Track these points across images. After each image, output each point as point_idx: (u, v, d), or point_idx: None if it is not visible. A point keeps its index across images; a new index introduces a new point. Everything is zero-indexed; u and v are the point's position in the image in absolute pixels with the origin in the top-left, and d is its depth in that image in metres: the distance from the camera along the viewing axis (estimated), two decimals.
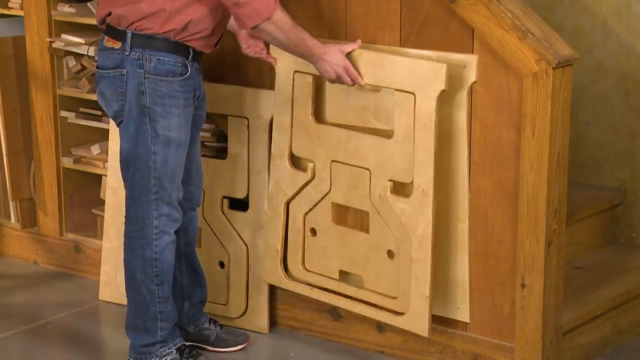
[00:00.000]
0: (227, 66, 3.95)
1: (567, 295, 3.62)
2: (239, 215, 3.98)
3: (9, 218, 4.77)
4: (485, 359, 3.60)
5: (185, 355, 3.66)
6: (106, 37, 3.47)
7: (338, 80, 3.52)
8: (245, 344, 3.90)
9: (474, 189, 3.53)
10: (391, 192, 3.55)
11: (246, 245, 3.97)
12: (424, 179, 3.47)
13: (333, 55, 3.48)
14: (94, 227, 4.57)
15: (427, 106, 3.43)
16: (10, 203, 4.73)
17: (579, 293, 3.80)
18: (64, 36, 4.43)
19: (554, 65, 3.30)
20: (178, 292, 3.81)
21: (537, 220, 3.40)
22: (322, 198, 3.75)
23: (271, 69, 3.85)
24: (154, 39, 3.40)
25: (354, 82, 3.52)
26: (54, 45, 4.44)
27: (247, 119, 3.90)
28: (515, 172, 3.44)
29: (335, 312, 3.90)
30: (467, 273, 3.56)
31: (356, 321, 3.86)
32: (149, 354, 3.62)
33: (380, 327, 3.80)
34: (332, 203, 3.74)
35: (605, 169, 4.35)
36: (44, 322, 4.13)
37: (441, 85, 3.39)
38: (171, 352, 3.64)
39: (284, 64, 3.75)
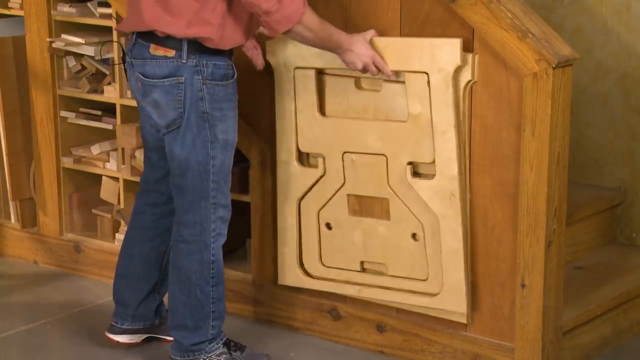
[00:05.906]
0: None
1: (567, 295, 3.62)
2: (423, 183, 3.59)
3: (9, 218, 4.77)
4: (485, 359, 3.60)
5: (232, 348, 3.66)
6: (154, 45, 3.42)
7: (364, 70, 3.53)
8: None
9: (474, 189, 3.53)
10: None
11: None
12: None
13: (360, 47, 3.50)
14: (94, 227, 4.57)
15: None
16: (10, 203, 4.73)
17: (579, 293, 3.80)
18: (64, 36, 4.43)
19: (554, 65, 3.30)
20: (153, 287, 3.82)
21: (537, 220, 3.41)
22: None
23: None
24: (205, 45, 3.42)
25: (379, 72, 3.52)
26: (54, 45, 4.44)
27: (427, 74, 3.53)
28: (515, 172, 3.44)
29: (335, 312, 3.90)
30: None
31: (356, 321, 3.85)
32: (198, 351, 3.62)
33: (380, 327, 3.80)
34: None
35: (605, 169, 4.35)
36: (44, 322, 4.13)
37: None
38: (219, 347, 3.64)
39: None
